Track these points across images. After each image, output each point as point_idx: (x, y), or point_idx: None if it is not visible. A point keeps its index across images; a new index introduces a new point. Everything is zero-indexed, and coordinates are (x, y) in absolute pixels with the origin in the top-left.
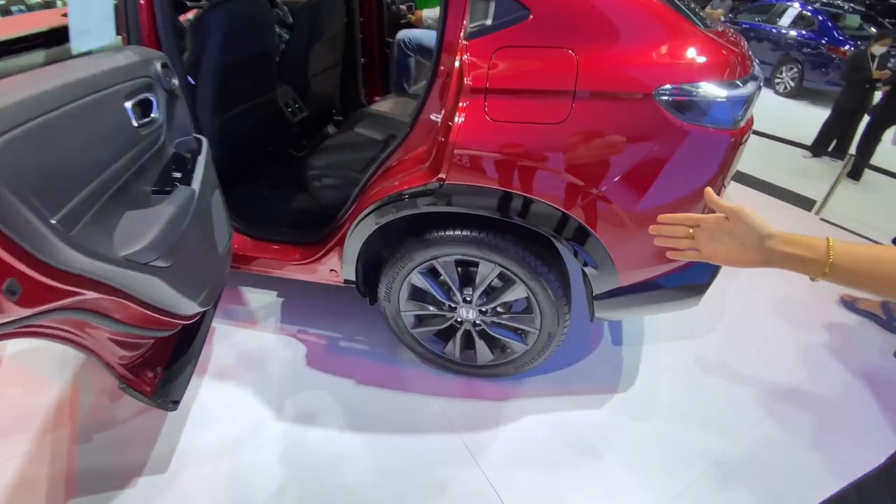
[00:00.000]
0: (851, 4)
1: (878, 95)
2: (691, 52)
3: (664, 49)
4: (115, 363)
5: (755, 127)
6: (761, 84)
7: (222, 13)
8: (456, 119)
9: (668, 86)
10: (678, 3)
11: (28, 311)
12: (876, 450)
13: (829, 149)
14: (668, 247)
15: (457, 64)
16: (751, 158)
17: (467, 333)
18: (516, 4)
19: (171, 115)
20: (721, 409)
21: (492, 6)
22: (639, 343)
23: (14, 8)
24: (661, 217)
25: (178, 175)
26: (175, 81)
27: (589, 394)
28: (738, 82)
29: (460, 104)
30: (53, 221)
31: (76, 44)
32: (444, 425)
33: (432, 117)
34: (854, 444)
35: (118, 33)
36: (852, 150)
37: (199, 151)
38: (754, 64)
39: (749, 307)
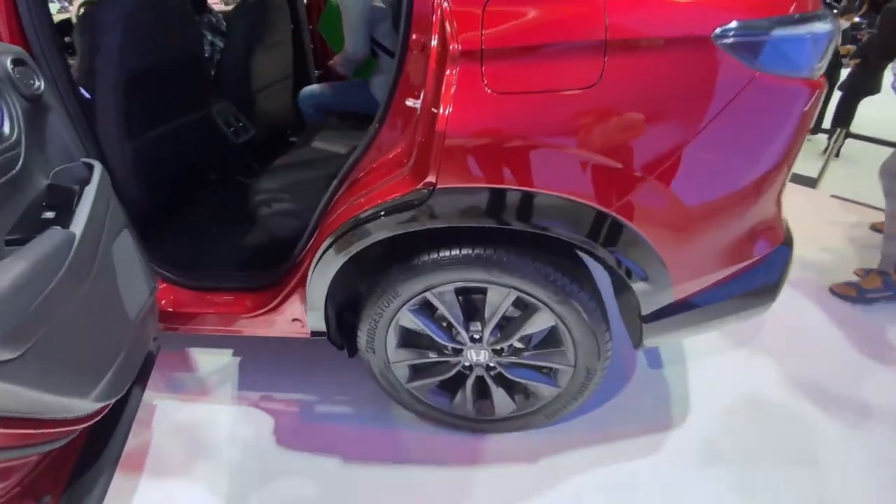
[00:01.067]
0: None
1: (844, 72)
2: None
3: None
4: None
5: None
6: (838, 26)
7: (118, 5)
8: (443, 98)
9: (732, 24)
10: None
11: None
12: None
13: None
14: None
15: (436, 21)
16: None
17: (479, 381)
18: None
19: (40, 133)
20: (800, 436)
21: None
22: (681, 362)
23: None
24: None
25: (49, 215)
26: (39, 85)
27: (638, 435)
28: (812, 15)
29: (447, 74)
30: None
31: None
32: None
33: (409, 103)
34: None
35: None
36: (827, 125)
37: (87, 182)
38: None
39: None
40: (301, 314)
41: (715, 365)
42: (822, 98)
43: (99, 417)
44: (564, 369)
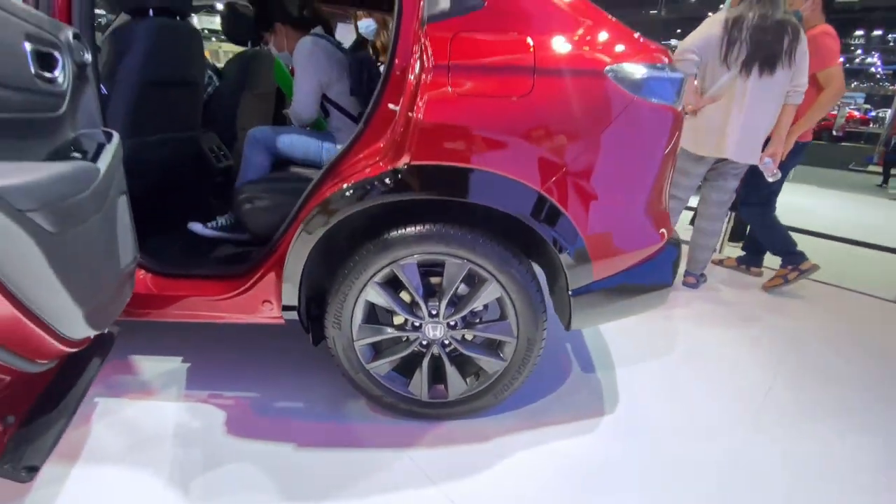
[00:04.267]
0: None
1: None
2: (632, 43)
3: (610, 39)
4: None
5: None
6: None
7: (146, 27)
8: (419, 97)
9: (619, 64)
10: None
11: None
12: None
13: None
14: None
15: (416, 50)
16: None
17: (435, 361)
18: None
19: (78, 96)
20: (708, 413)
21: None
22: (610, 367)
23: None
24: None
25: (77, 156)
26: (88, 56)
27: (573, 421)
28: (671, 66)
29: (424, 80)
30: None
31: None
32: (422, 480)
33: (390, 107)
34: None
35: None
36: None
37: (108, 143)
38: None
39: (702, 321)
40: (272, 295)
41: (641, 369)
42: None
43: (77, 349)
44: (509, 341)
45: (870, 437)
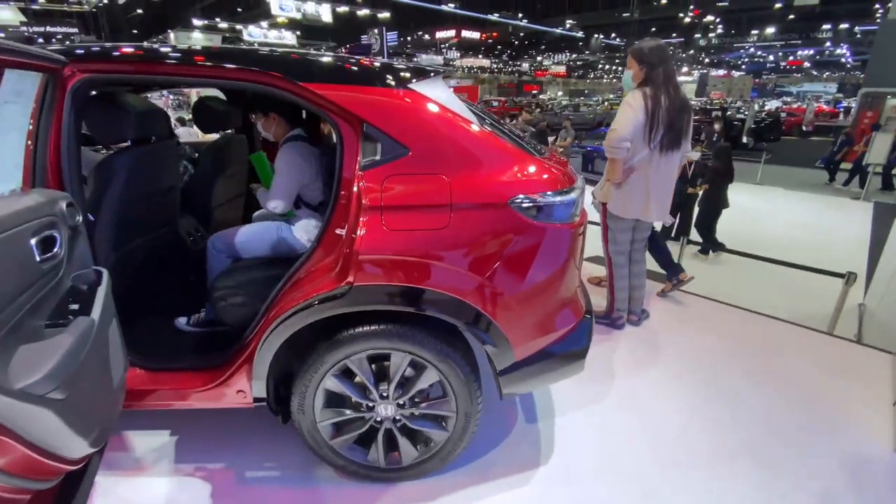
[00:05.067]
0: None
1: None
2: (532, 173)
3: (512, 171)
4: None
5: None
6: (583, 190)
7: (127, 157)
8: (359, 231)
9: (518, 196)
10: (518, 140)
11: None
12: None
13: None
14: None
15: (355, 189)
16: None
17: (388, 433)
18: (397, 144)
19: (72, 250)
20: (631, 456)
21: (378, 146)
22: (550, 417)
23: None
24: None
25: (75, 307)
26: (79, 218)
27: (514, 473)
28: (565, 190)
29: (361, 220)
30: None
31: None
32: None
33: (337, 232)
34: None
35: (24, 176)
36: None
37: (98, 283)
38: (578, 176)
39: (636, 371)
40: (246, 386)
41: (579, 419)
42: (584, 229)
43: (79, 466)
44: (450, 415)
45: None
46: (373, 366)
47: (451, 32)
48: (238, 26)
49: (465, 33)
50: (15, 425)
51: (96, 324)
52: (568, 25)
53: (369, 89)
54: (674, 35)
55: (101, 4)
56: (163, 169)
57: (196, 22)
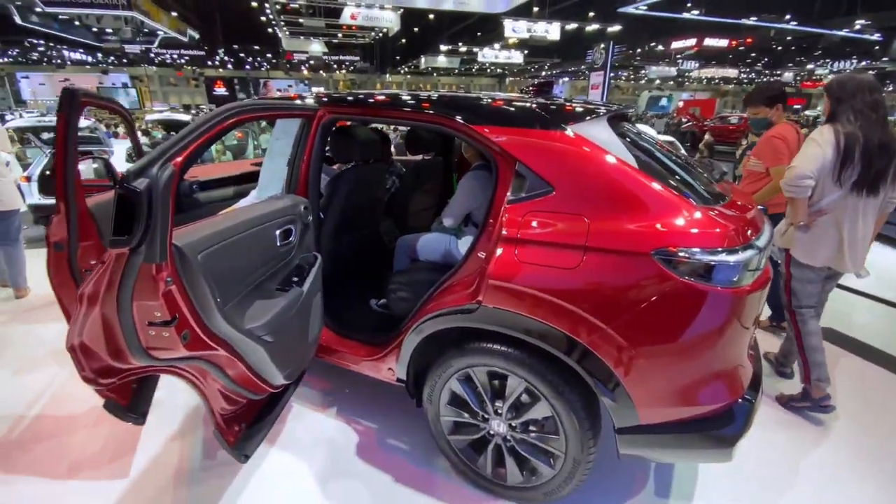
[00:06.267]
0: None
1: None
2: (685, 224)
3: (663, 220)
4: (217, 411)
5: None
6: (764, 249)
7: (351, 174)
8: (494, 258)
9: (664, 248)
10: (680, 182)
11: (188, 353)
12: None
13: None
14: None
15: (499, 220)
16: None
17: (498, 448)
18: (543, 182)
19: (302, 239)
20: None
21: (526, 182)
22: (686, 500)
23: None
24: None
25: (296, 279)
26: (311, 218)
27: None
28: (731, 250)
29: (498, 248)
30: (218, 300)
31: (260, 194)
32: None
33: (479, 254)
34: None
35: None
36: None
37: (313, 265)
38: (759, 233)
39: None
40: (394, 366)
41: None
42: (762, 294)
43: (278, 390)
44: (558, 454)
45: None
46: (494, 382)
47: (691, 41)
48: (475, 49)
49: (709, 41)
50: (243, 352)
51: (304, 294)
52: (858, 26)
53: (524, 131)
54: None
55: (377, 38)
56: (374, 186)
57: (442, 47)
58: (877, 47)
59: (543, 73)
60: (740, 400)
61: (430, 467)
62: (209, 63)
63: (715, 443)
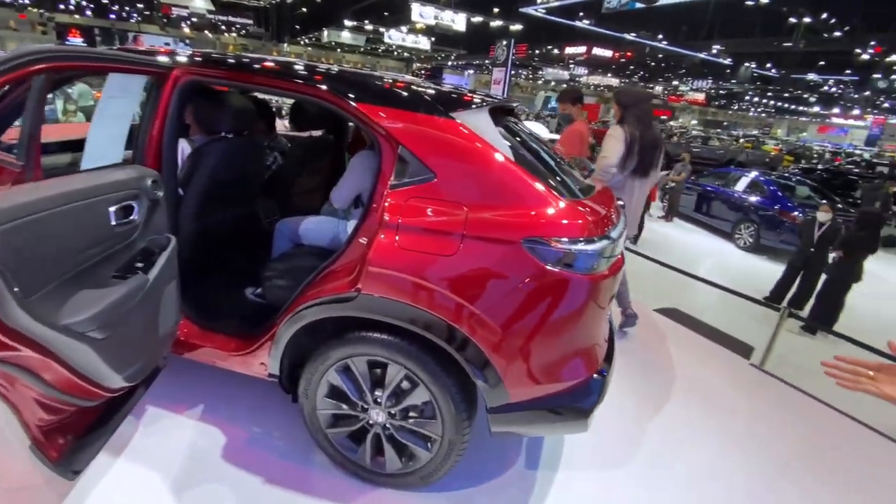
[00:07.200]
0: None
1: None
2: (553, 215)
3: (533, 211)
4: (33, 423)
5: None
6: (618, 239)
7: (218, 146)
8: (374, 244)
9: (531, 237)
10: (559, 178)
11: None
12: None
13: (784, 302)
14: (840, 381)
15: (381, 204)
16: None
17: (377, 438)
18: (425, 168)
19: (150, 218)
20: None
21: (409, 168)
22: (553, 469)
23: None
24: (845, 358)
25: (141, 265)
26: (160, 193)
27: None
28: (590, 239)
29: (379, 233)
30: (16, 289)
31: (88, 163)
32: None
33: (360, 240)
34: None
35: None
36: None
37: (165, 248)
38: (614, 225)
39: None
40: (267, 360)
41: (582, 478)
42: (615, 279)
43: (119, 394)
44: (435, 438)
45: None
46: (373, 371)
47: (582, 49)
48: (382, 29)
49: (597, 50)
50: (59, 352)
51: (150, 282)
52: (714, 51)
53: (408, 114)
54: (847, 72)
55: (273, 2)
56: (247, 161)
57: (347, 22)
58: (727, 70)
59: (450, 63)
60: (595, 375)
61: (307, 464)
62: (62, 6)
63: (574, 415)
